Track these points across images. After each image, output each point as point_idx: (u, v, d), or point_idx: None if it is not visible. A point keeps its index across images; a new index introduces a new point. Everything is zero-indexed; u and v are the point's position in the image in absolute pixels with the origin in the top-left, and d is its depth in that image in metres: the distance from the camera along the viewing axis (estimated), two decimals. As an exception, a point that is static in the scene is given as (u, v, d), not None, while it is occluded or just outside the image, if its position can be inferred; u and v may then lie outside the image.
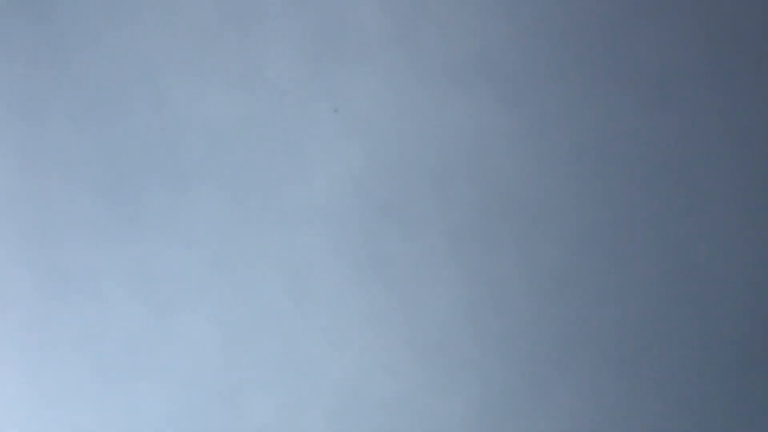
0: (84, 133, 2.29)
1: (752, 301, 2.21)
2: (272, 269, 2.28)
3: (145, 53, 2.29)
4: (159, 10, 2.29)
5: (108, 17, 2.30)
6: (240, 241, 2.29)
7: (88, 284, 2.28)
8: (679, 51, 2.24)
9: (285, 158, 2.29)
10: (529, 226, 2.25)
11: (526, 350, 2.26)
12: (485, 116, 2.26)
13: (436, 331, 2.27)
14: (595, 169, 2.25)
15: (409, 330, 2.27)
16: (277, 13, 2.28)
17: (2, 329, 2.29)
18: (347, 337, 2.28)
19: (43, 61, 2.30)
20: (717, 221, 2.22)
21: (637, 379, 2.23)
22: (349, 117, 2.28)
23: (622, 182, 2.25)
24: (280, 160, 2.29)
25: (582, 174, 2.25)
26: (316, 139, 2.28)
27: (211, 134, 2.29)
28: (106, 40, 2.29)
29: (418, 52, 2.27)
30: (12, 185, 2.30)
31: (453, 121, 2.27)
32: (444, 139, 2.27)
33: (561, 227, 2.25)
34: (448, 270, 2.26)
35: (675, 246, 2.22)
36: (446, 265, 2.26)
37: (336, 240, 2.28)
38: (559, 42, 2.25)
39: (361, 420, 2.27)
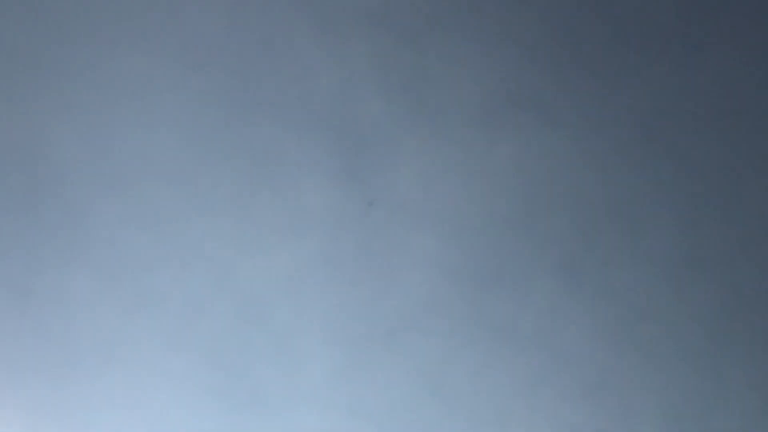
0: (182, 348, 2.19)
1: None
2: (408, 375, 2.19)
3: (190, 221, 2.17)
4: (189, 197, 2.17)
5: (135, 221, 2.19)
6: (361, 369, 2.19)
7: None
8: (720, 54, 2.09)
9: (369, 279, 2.17)
10: (637, 236, 2.13)
11: (695, 361, 2.15)
12: (536, 145, 2.12)
13: (594, 375, 2.17)
14: (684, 159, 2.12)
15: (565, 380, 2.18)
16: (296, 143, 2.15)
17: None
18: (508, 408, 2.19)
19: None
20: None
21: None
22: (411, 211, 2.15)
23: (716, 167, 2.11)
24: (365, 284, 2.17)
25: (674, 165, 2.12)
26: (389, 248, 2.16)
27: (284, 282, 2.18)
28: (126, 238, 2.18)
29: (444, 118, 2.12)
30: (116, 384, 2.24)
31: (507, 165, 2.13)
32: (506, 186, 2.13)
33: (668, 226, 2.12)
34: (575, 312, 2.15)
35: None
36: (568, 307, 2.15)
37: (454, 320, 2.18)
38: (583, 48, 2.11)
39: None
